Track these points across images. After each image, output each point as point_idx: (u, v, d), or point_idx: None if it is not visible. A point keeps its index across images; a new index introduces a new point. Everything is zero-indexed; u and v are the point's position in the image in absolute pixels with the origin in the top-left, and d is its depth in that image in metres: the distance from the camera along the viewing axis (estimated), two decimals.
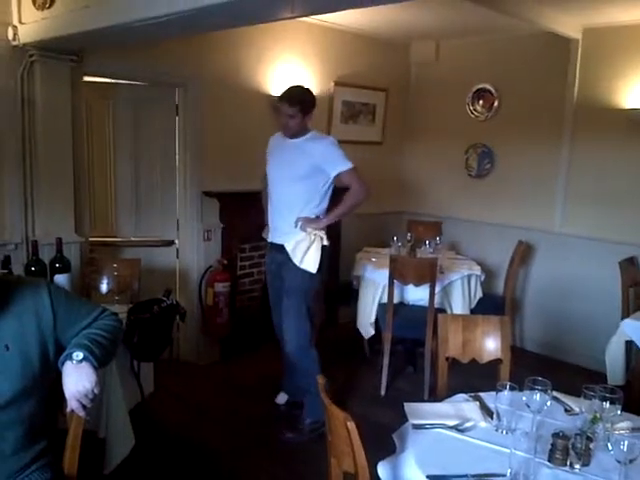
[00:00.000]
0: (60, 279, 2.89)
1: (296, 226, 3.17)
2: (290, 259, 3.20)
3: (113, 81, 3.93)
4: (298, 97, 3.14)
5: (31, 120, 3.34)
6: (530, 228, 4.71)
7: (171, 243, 4.29)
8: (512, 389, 1.88)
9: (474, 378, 2.68)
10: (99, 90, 3.93)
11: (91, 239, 3.77)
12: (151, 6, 2.24)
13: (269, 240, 3.41)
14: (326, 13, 3.70)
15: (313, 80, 4.71)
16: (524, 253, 4.59)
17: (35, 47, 3.18)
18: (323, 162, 3.13)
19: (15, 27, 3.17)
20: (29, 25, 3.11)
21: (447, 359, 2.45)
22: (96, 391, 1.61)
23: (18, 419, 1.61)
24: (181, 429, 3.33)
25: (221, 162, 4.24)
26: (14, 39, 3.18)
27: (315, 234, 3.18)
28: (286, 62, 4.52)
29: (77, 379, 1.59)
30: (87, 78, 3.61)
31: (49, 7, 2.88)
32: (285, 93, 3.17)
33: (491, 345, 2.49)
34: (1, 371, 1.57)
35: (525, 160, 4.81)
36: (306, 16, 3.67)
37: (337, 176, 3.17)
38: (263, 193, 3.50)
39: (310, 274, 3.19)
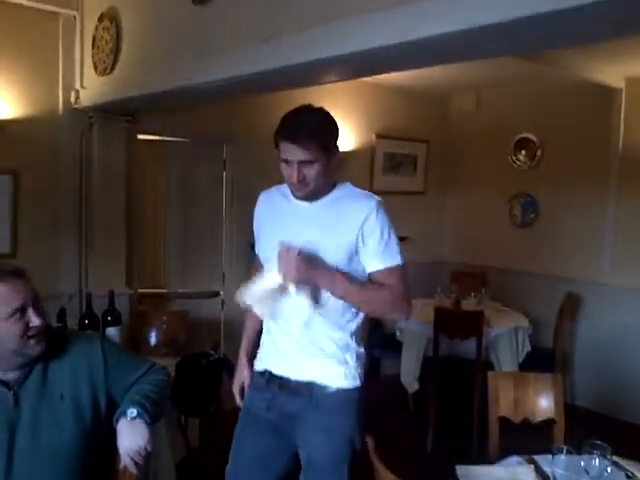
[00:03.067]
0: (111, 332, 2.96)
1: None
2: (318, 409, 1.84)
3: (165, 138, 4.11)
4: (316, 128, 1.71)
5: (89, 176, 3.53)
6: (578, 279, 4.60)
7: (216, 294, 4.36)
8: (569, 453, 1.81)
9: (526, 438, 2.58)
10: (152, 147, 4.12)
11: (140, 290, 3.87)
12: (206, 72, 2.37)
13: (266, 368, 1.95)
14: (366, 77, 3.78)
15: (355, 133, 4.82)
16: (573, 305, 4.47)
17: (94, 109, 3.38)
18: (362, 243, 1.78)
19: (77, 91, 3.40)
20: (90, 89, 3.32)
21: (498, 419, 2.38)
22: (149, 448, 1.63)
23: (70, 473, 1.64)
24: None
25: None
26: (76, 102, 3.40)
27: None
28: None
29: (131, 436, 1.61)
30: (141, 136, 3.80)
31: (109, 73, 3.07)
32: (291, 124, 1.72)
33: (544, 404, 2.41)
34: (55, 421, 1.61)
35: (571, 209, 4.74)
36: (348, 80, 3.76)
37: (374, 273, 1.81)
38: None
39: (355, 426, 1.87)
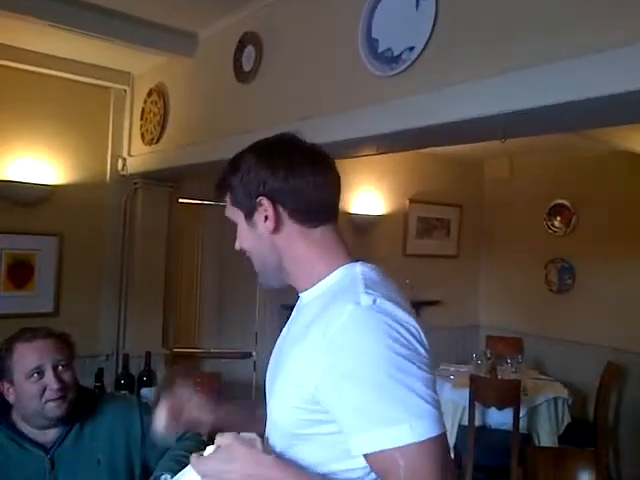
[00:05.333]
0: (146, 392, 2.99)
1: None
2: None
3: (203, 202, 4.25)
4: (227, 171, 1.12)
5: (131, 239, 3.67)
6: (619, 348, 4.45)
7: (249, 355, 4.37)
8: None
9: None
10: (191, 210, 4.26)
11: (175, 350, 3.92)
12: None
13: None
14: (406, 151, 3.85)
15: (388, 198, 4.90)
16: (614, 375, 4.32)
17: (140, 176, 3.55)
18: (324, 394, 0.93)
19: (124, 159, 3.59)
20: (136, 158, 3.50)
21: None
22: None
23: None
24: None
25: None
26: (123, 169, 3.59)
27: None
28: (363, 181, 4.75)
29: None
30: (181, 200, 3.94)
31: (156, 143, 3.25)
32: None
33: None
34: None
35: (609, 276, 4.65)
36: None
37: (371, 456, 0.88)
38: None
39: None
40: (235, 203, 1.11)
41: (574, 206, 4.88)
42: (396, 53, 1.83)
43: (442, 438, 0.89)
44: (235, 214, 1.12)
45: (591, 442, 3.95)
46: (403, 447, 0.85)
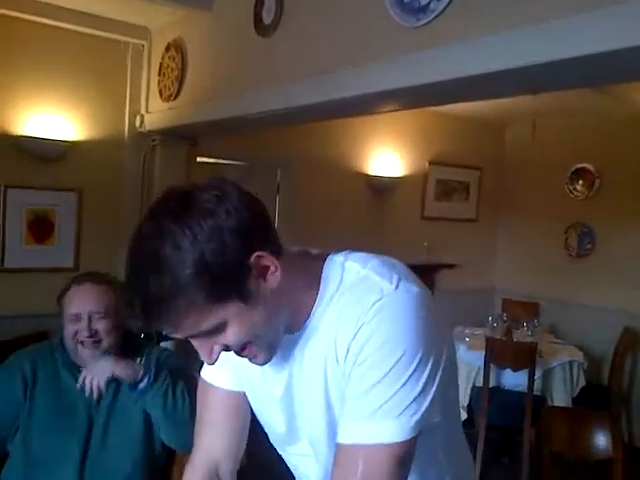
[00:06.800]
0: (166, 345, 3.05)
1: None
2: None
3: (222, 162, 4.24)
4: (175, 266, 0.78)
5: (149, 195, 3.66)
6: (637, 314, 4.43)
7: None
8: None
9: (579, 477, 2.49)
10: (209, 169, 4.25)
11: None
12: (266, 102, 2.46)
13: None
14: (430, 106, 3.74)
15: (408, 160, 4.84)
16: (630, 341, 4.30)
17: (157, 133, 3.53)
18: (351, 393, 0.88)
19: (142, 116, 3.56)
20: (154, 114, 3.47)
21: (551, 454, 2.31)
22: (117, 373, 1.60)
23: (135, 462, 1.67)
24: None
25: (315, 238, 4.38)
26: (140, 126, 3.56)
27: None
28: (382, 143, 4.69)
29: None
30: (199, 159, 3.93)
31: (174, 99, 3.21)
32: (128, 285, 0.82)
33: (601, 443, 2.32)
34: (126, 415, 1.68)
35: (630, 241, 4.59)
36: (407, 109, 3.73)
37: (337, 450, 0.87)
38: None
39: None
40: (215, 297, 0.81)
41: (597, 170, 4.79)
42: (423, 3, 1.76)
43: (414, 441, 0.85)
44: (217, 313, 0.83)
45: (604, 406, 3.96)
46: (380, 448, 0.83)
